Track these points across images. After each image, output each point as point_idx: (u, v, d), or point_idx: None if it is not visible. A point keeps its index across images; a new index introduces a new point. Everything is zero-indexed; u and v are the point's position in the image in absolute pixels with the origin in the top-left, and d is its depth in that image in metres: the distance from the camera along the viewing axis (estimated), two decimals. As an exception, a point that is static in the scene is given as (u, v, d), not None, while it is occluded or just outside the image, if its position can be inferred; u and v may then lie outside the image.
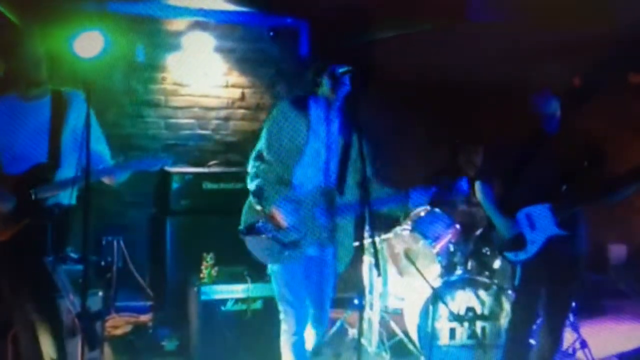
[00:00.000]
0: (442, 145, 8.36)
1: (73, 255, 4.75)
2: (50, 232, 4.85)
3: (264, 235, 5.26)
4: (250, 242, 5.36)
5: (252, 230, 5.30)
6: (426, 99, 9.37)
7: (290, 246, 5.25)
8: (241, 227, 5.37)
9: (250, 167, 5.34)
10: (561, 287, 5.73)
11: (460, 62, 7.92)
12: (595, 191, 5.57)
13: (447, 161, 7.87)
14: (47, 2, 6.33)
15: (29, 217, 4.92)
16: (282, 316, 5.43)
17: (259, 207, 5.24)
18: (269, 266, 5.42)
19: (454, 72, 8.55)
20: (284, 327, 5.45)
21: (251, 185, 5.28)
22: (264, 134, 5.36)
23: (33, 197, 4.93)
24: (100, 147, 5.31)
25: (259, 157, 5.34)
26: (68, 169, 5.00)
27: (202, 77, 8.81)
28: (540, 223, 5.60)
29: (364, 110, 5.16)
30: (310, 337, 5.53)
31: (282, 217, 5.15)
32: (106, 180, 5.22)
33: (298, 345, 5.45)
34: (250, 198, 5.34)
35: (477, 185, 5.98)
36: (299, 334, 5.42)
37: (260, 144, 5.35)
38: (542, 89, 5.51)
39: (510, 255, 5.78)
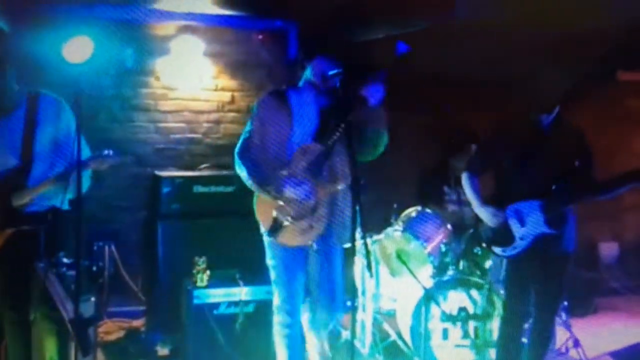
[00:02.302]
0: (434, 143, 8.39)
1: (65, 260, 4.72)
2: (42, 238, 4.84)
3: (288, 225, 5.31)
4: (280, 236, 5.38)
5: (275, 228, 5.32)
6: (419, 98, 9.40)
7: (307, 229, 5.32)
8: (263, 230, 5.40)
9: (241, 163, 5.43)
10: (550, 285, 5.77)
11: (453, 61, 7.94)
12: (585, 192, 5.61)
13: (439, 160, 7.90)
14: (35, 8, 6.32)
15: (12, 225, 4.91)
16: (274, 308, 5.51)
17: (267, 195, 5.29)
18: (268, 258, 5.49)
19: (446, 72, 8.57)
20: (276, 319, 5.52)
21: (251, 178, 5.35)
22: (248, 130, 5.48)
23: (12, 204, 4.92)
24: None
25: (247, 150, 5.44)
26: (44, 176, 5.00)
27: (192, 81, 8.81)
28: (530, 220, 5.63)
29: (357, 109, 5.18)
30: (323, 319, 5.58)
31: (293, 192, 5.26)
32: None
33: (292, 338, 5.49)
34: (256, 192, 5.40)
35: (464, 176, 6.01)
36: (292, 326, 5.47)
37: (245, 139, 5.48)
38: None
39: (498, 250, 5.81)
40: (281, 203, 5.29)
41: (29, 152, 5.00)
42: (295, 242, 5.37)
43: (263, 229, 5.40)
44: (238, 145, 5.52)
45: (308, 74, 5.44)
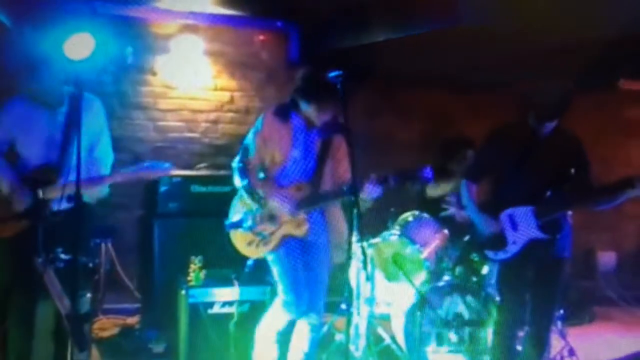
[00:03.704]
0: (432, 148, 8.41)
1: (63, 256, 4.74)
2: (41, 233, 4.86)
3: (243, 230, 5.72)
4: (234, 236, 5.80)
5: (235, 225, 5.77)
6: (418, 102, 9.43)
7: (265, 238, 5.66)
8: (227, 221, 5.81)
9: (237, 166, 5.81)
10: (544, 291, 5.76)
11: (453, 65, 7.93)
12: (579, 199, 5.61)
13: (438, 165, 7.89)
14: (37, 3, 6.31)
15: (35, 216, 4.95)
16: (278, 301, 5.77)
17: (251, 202, 5.70)
18: (267, 256, 5.78)
19: (446, 76, 8.57)
20: (273, 311, 5.82)
21: (241, 182, 5.74)
22: (250, 141, 5.77)
23: (40, 196, 5.02)
24: (102, 155, 5.40)
25: (245, 155, 5.78)
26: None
27: (191, 80, 8.80)
28: (523, 225, 5.63)
29: (355, 112, 5.21)
30: (305, 328, 5.79)
31: (282, 206, 5.62)
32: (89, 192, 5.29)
33: (283, 333, 5.81)
34: (242, 194, 5.77)
35: (463, 183, 6.02)
36: (289, 322, 5.75)
37: (249, 148, 5.78)
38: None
39: (490, 253, 5.83)
40: (251, 212, 5.72)
41: (66, 152, 5.07)
42: (244, 250, 5.81)
43: (227, 221, 5.83)
44: (238, 156, 5.86)
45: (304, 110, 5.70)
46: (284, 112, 5.71)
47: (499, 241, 5.73)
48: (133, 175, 5.45)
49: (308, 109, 5.61)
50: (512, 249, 5.70)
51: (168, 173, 5.67)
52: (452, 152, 7.77)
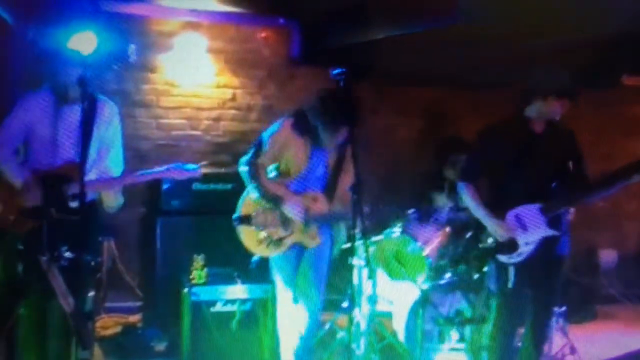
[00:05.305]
0: (431, 146, 8.42)
1: (67, 254, 4.75)
2: (45, 231, 4.86)
3: (253, 227, 5.79)
4: (241, 231, 5.86)
5: (244, 220, 5.81)
6: (417, 99, 9.42)
7: (276, 241, 5.79)
8: (235, 215, 5.86)
9: (247, 165, 5.86)
10: (546, 288, 5.74)
11: (453, 64, 7.93)
12: (584, 191, 5.57)
13: (434, 167, 7.87)
14: (40, 1, 6.32)
15: (57, 211, 4.96)
16: (277, 292, 5.97)
17: (264, 203, 5.78)
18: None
19: (446, 74, 8.56)
20: (279, 299, 5.96)
21: (252, 184, 5.81)
22: (265, 141, 5.83)
23: (66, 193, 5.05)
24: (112, 165, 5.47)
25: (257, 153, 5.84)
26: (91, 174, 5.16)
27: (194, 78, 8.80)
28: (532, 224, 5.56)
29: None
30: (302, 311, 5.89)
31: (296, 214, 5.75)
32: (108, 198, 5.36)
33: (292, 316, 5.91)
34: (251, 192, 5.83)
35: (459, 186, 5.94)
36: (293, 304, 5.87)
37: (262, 147, 5.84)
38: None
39: (502, 257, 5.73)
40: (262, 210, 5.83)
41: (86, 152, 5.10)
42: (245, 242, 5.87)
43: (235, 215, 5.89)
44: (249, 155, 5.89)
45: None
46: (302, 125, 5.76)
47: (510, 245, 5.66)
48: (157, 176, 5.60)
49: (323, 132, 5.68)
50: (526, 250, 5.61)
51: (196, 175, 5.69)
52: (445, 153, 7.74)
